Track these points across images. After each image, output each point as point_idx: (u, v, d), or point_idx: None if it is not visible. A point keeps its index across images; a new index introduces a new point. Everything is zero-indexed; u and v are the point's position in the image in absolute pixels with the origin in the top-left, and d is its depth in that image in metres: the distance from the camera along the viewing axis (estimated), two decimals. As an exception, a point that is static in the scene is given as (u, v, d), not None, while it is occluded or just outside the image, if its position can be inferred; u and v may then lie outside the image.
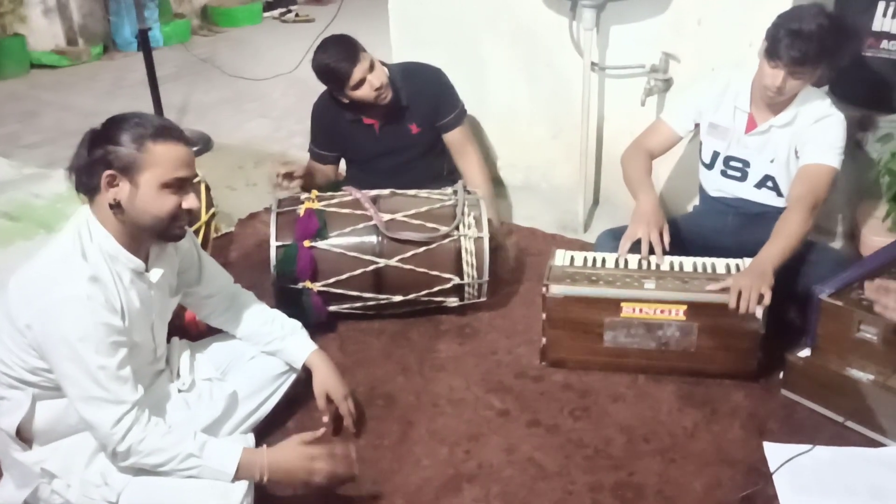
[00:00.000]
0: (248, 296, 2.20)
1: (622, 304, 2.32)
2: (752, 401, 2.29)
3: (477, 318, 2.72)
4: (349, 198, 2.63)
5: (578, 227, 3.30)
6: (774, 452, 2.07)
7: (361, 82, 2.77)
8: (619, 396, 2.34)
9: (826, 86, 2.76)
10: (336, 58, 2.76)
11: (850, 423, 2.15)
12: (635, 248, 2.46)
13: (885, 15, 2.67)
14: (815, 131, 2.45)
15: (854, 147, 2.81)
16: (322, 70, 2.81)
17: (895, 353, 2.04)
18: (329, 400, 2.12)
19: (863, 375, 2.11)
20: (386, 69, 2.88)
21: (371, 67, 2.79)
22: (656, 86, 3.04)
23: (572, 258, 2.51)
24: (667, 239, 2.45)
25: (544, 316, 2.40)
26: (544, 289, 2.37)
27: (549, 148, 3.45)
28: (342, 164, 3.18)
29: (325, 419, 2.13)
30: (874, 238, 2.67)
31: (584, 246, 3.00)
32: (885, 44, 2.69)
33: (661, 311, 2.31)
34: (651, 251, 2.44)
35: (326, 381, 2.11)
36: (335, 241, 2.54)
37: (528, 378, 2.44)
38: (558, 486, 2.02)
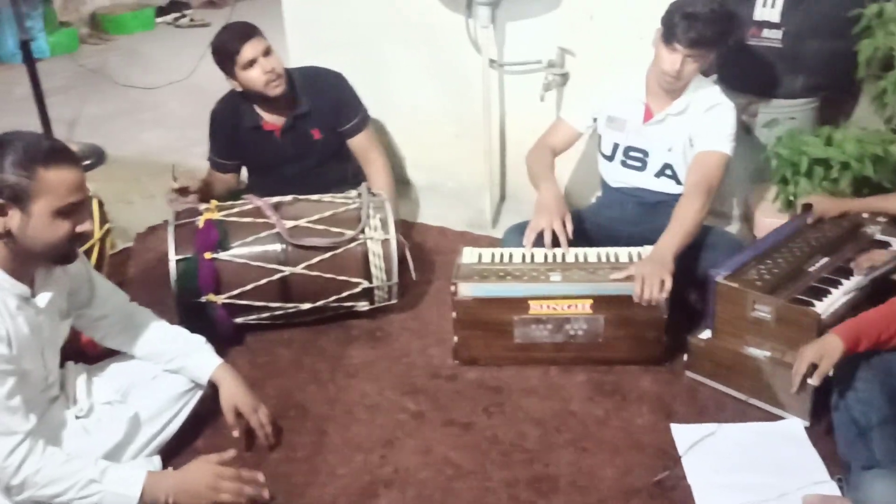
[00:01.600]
0: (145, 314, 2.13)
1: (530, 303, 2.35)
2: (658, 385, 2.35)
3: (388, 320, 2.70)
4: (250, 206, 2.57)
5: (487, 224, 3.32)
6: (682, 434, 2.13)
7: (252, 62, 2.72)
8: (531, 390, 2.36)
9: (715, 75, 2.85)
10: (229, 36, 2.75)
11: (751, 400, 2.23)
12: (540, 240, 2.48)
13: (764, 5, 2.78)
14: (707, 119, 2.54)
15: (743, 133, 2.91)
16: (215, 48, 2.78)
17: (789, 330, 2.12)
18: (239, 414, 2.07)
19: (760, 353, 2.19)
20: (282, 65, 2.82)
21: (266, 52, 2.74)
22: (554, 80, 3.09)
23: (480, 255, 2.52)
24: (570, 227, 2.49)
25: (454, 316, 2.40)
26: (453, 288, 2.37)
27: (454, 146, 3.46)
28: (244, 172, 3.10)
29: (236, 434, 2.07)
30: (766, 219, 2.78)
31: (493, 242, 3.03)
32: (766, 32, 2.79)
33: (569, 306, 2.35)
34: (556, 242, 2.47)
35: (235, 396, 2.06)
36: (237, 252, 2.48)
37: (441, 378, 2.43)
38: (475, 485, 2.03)
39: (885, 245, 2.41)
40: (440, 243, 3.17)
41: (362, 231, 2.54)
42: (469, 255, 2.52)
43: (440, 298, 2.78)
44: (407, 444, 2.17)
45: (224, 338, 2.48)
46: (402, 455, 2.13)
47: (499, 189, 3.42)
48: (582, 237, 2.57)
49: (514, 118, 3.29)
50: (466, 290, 2.37)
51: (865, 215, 2.52)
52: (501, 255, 2.52)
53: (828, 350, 1.87)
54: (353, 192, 2.70)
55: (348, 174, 3.06)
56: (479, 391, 2.37)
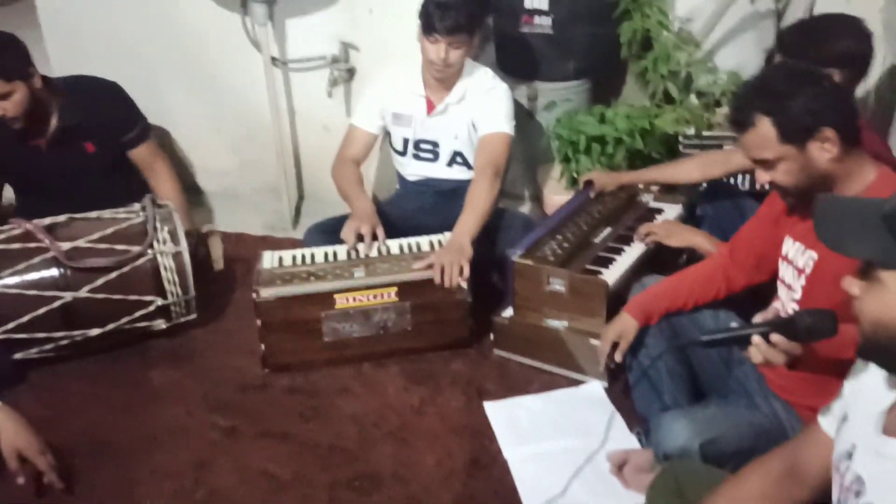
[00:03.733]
0: None
1: (335, 297, 2.32)
2: (469, 367, 2.40)
3: (190, 337, 2.57)
4: (18, 231, 2.35)
5: (287, 226, 3.25)
6: (494, 410, 2.19)
7: None
8: (346, 389, 2.34)
9: (493, 64, 2.95)
10: None
11: (556, 370, 2.34)
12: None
13: (533, -6, 2.91)
14: (485, 103, 2.62)
15: (526, 117, 3.04)
16: None
17: (581, 299, 2.24)
18: (24, 459, 1.88)
19: (558, 324, 2.29)
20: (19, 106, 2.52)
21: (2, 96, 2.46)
22: (340, 76, 3.07)
23: (280, 259, 2.46)
24: (381, 236, 2.48)
25: (259, 322, 2.33)
26: (255, 294, 2.29)
27: (245, 149, 3.35)
28: (8, 193, 2.83)
29: (21, 481, 1.88)
30: (554, 197, 2.92)
31: (295, 244, 2.95)
32: (537, 20, 2.92)
33: (374, 297, 2.34)
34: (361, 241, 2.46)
35: (15, 440, 1.87)
36: (8, 282, 2.26)
37: (252, 389, 2.35)
38: (296, 494, 1.97)
39: (659, 211, 2.61)
40: (239, 250, 3.06)
41: (150, 245, 2.40)
42: (269, 260, 2.45)
43: (244, 308, 2.66)
44: (221, 464, 2.08)
45: (2, 377, 2.25)
46: (216, 475, 2.04)
47: (296, 189, 3.35)
48: (386, 230, 2.57)
49: (304, 116, 3.23)
50: (269, 294, 2.30)
51: (640, 186, 2.70)
52: (303, 256, 2.47)
53: (625, 329, 2.01)
54: (137, 206, 2.53)
55: (133, 188, 2.86)
56: (293, 397, 2.31)
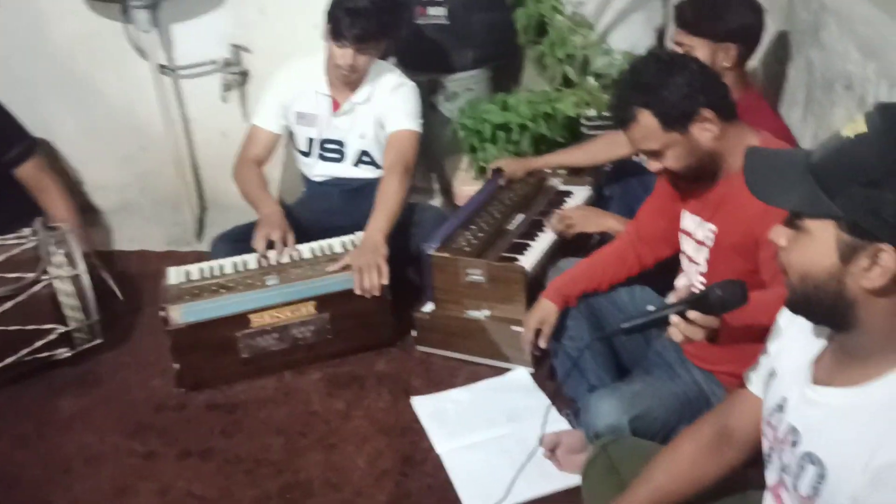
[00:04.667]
0: None
1: (250, 317, 2.25)
2: (393, 365, 2.37)
3: (98, 361, 2.45)
4: None
5: (191, 238, 3.14)
6: (422, 406, 2.17)
7: None
8: (267, 400, 2.27)
9: (394, 58, 2.92)
10: None
11: (481, 360, 2.33)
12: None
13: (423, -17, 2.89)
14: (392, 101, 2.58)
15: (430, 109, 3.02)
16: None
17: (501, 287, 2.24)
18: None
19: (480, 314, 2.29)
20: None
21: None
22: (234, 80, 2.98)
23: (188, 273, 2.37)
24: (291, 242, 2.42)
25: (170, 344, 2.24)
26: (163, 314, 2.20)
27: (141, 161, 3.21)
28: None
29: None
30: (464, 188, 2.91)
31: (201, 256, 2.84)
32: (431, 10, 2.90)
33: (292, 312, 2.29)
34: (271, 248, 2.39)
35: None
36: None
37: (168, 410, 2.26)
38: (224, 513, 1.91)
39: (569, 194, 2.63)
40: (143, 268, 2.93)
41: (44, 271, 2.26)
42: (176, 275, 2.36)
43: (153, 326, 2.55)
44: (142, 489, 1.99)
45: None
46: (139, 501, 1.96)
47: (198, 199, 3.24)
48: (296, 233, 2.51)
49: (199, 123, 3.12)
50: (178, 313, 2.21)
51: (548, 170, 2.73)
52: (212, 269, 2.39)
53: (546, 315, 2.01)
54: (27, 230, 2.39)
55: (23, 211, 2.70)
56: (213, 414, 2.23)
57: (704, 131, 1.66)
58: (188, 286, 2.30)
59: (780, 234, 1.04)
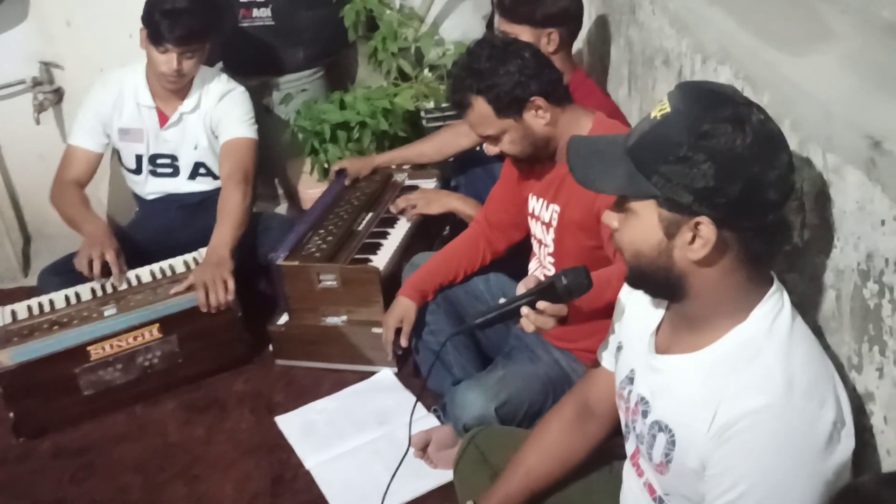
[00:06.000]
0: None
1: (88, 349, 2.10)
2: (253, 383, 2.28)
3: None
4: None
5: (16, 273, 2.90)
6: (287, 423, 2.09)
7: None
8: (120, 437, 2.13)
9: (220, 63, 2.80)
10: None
11: (343, 366, 2.27)
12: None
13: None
14: (223, 109, 2.48)
15: (265, 113, 2.92)
16: None
17: (356, 290, 2.19)
18: None
19: (337, 320, 2.24)
20: None
21: None
22: (47, 99, 2.77)
23: (14, 313, 2.19)
24: (114, 261, 2.26)
25: (1, 389, 2.05)
26: (-11, 358, 2.01)
27: (-51, 196, 2.93)
28: None
29: None
30: (309, 191, 2.83)
31: (30, 292, 2.62)
32: (256, 12, 2.81)
33: (135, 338, 2.15)
34: (108, 273, 2.24)
35: None
36: None
37: (9, 463, 2.08)
38: (83, 567, 1.77)
39: (415, 188, 2.61)
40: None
41: None
42: (1, 316, 2.16)
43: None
44: (-14, 556, 1.81)
45: None
46: (-17, 571, 1.78)
47: (19, 231, 2.98)
48: (133, 257, 2.35)
49: (13, 148, 2.89)
50: (7, 356, 2.02)
51: (393, 167, 2.70)
52: (41, 305, 2.21)
53: (405, 312, 1.99)
54: None
55: None
56: (60, 460, 2.07)
57: (537, 118, 1.70)
58: (16, 326, 2.12)
59: (611, 218, 1.08)
